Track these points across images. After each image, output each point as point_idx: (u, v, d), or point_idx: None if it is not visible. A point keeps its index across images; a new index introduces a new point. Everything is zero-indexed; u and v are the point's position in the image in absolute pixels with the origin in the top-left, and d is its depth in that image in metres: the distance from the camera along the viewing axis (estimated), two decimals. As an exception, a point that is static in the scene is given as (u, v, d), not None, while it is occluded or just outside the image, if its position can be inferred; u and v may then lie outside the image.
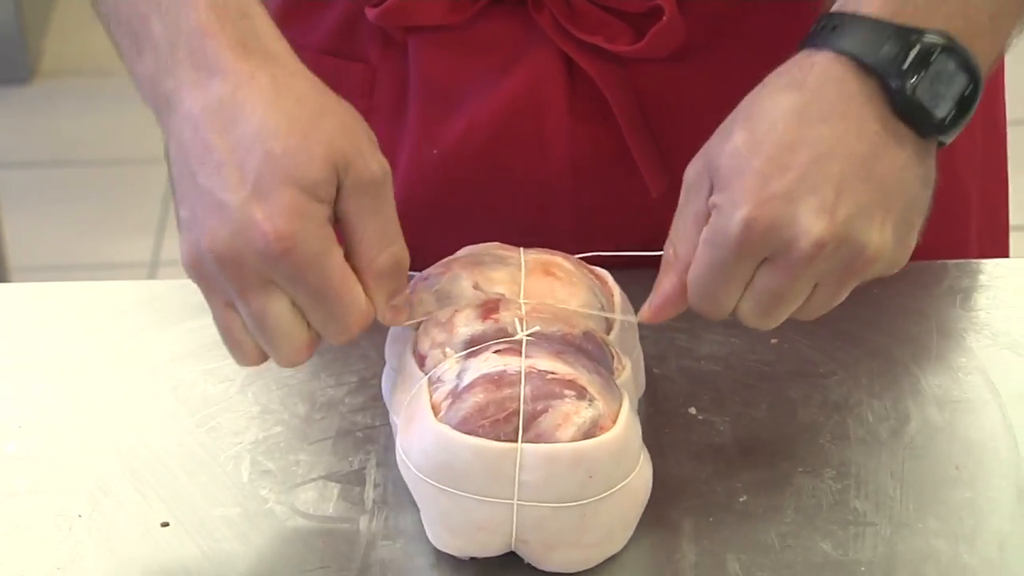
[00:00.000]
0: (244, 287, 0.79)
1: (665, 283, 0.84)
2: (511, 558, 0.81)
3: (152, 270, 2.61)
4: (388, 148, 1.01)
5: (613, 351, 0.85)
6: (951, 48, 0.81)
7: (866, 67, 0.81)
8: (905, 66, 0.80)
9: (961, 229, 1.07)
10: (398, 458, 0.82)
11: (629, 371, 0.85)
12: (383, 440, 0.89)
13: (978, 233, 1.08)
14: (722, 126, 0.83)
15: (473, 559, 0.81)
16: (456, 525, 0.80)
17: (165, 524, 0.84)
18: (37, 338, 0.99)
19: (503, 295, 0.85)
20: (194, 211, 0.79)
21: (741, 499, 0.85)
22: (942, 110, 0.81)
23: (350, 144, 0.80)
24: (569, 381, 0.79)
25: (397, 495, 0.85)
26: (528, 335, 0.82)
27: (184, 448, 0.89)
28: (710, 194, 0.82)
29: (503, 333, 0.83)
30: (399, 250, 0.82)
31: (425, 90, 1.00)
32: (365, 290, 0.81)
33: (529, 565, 0.81)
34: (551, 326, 0.83)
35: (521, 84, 0.98)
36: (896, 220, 0.81)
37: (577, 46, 0.97)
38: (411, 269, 0.98)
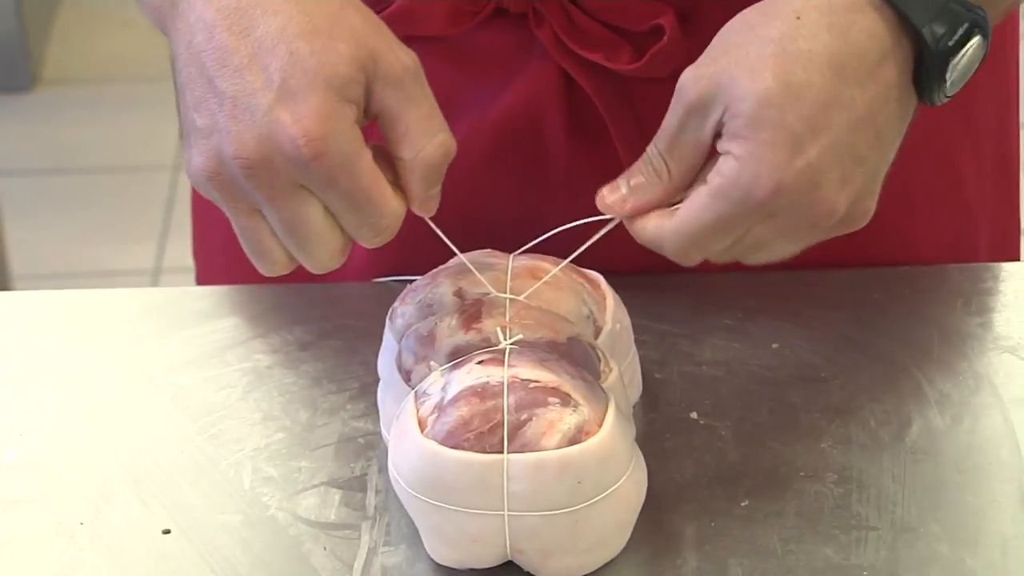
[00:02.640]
0: (274, 193, 0.77)
1: (647, 194, 0.81)
2: (510, 567, 0.81)
3: (155, 277, 2.61)
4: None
5: (600, 354, 0.85)
6: (985, 29, 0.80)
7: (910, 32, 0.79)
8: (951, 43, 0.79)
9: (970, 241, 1.06)
10: (390, 474, 0.82)
11: (617, 374, 0.85)
12: (384, 447, 0.89)
13: (989, 239, 1.07)
14: (733, 47, 0.79)
15: (473, 569, 0.81)
16: (450, 538, 0.80)
17: (167, 531, 0.84)
18: (39, 346, 0.99)
19: (487, 294, 0.85)
20: (215, 118, 0.77)
21: (743, 504, 0.85)
22: (956, 87, 0.81)
23: (376, 38, 0.78)
24: (552, 388, 0.79)
25: (399, 501, 0.84)
26: (511, 343, 0.82)
27: (186, 455, 0.89)
28: (717, 125, 0.78)
29: (486, 343, 0.83)
30: (447, 138, 0.80)
31: None
32: (409, 181, 0.80)
33: (528, 574, 0.81)
34: (535, 333, 0.83)
35: (519, 98, 0.98)
36: (878, 184, 0.81)
37: (577, 63, 0.97)
38: (412, 274, 0.98)
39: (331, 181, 0.77)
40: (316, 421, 0.92)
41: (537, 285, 0.86)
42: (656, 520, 0.83)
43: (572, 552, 0.80)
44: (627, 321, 0.90)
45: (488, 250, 0.91)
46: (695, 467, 0.88)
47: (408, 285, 0.89)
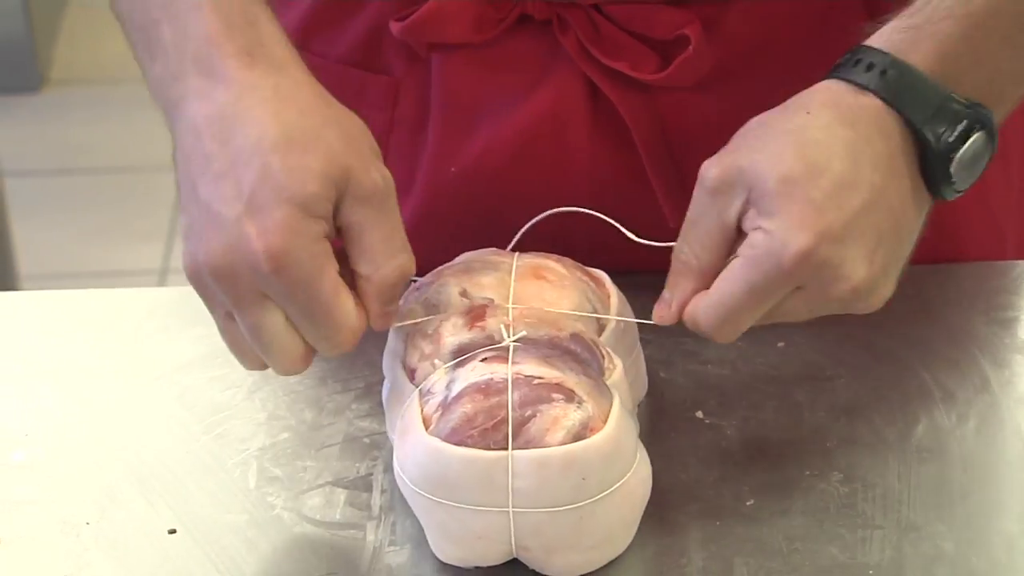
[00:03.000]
0: (239, 300, 0.79)
1: (686, 287, 0.84)
2: (516, 564, 0.81)
3: (162, 277, 2.61)
4: (408, 163, 1.01)
5: (603, 351, 0.85)
6: (988, 125, 0.83)
7: (912, 130, 0.82)
8: (951, 139, 0.82)
9: (997, 249, 1.06)
10: (395, 472, 0.82)
11: (620, 371, 0.85)
12: (390, 446, 0.89)
13: (1017, 244, 1.07)
14: (752, 139, 0.83)
15: (478, 567, 0.81)
16: (455, 536, 0.80)
17: (172, 531, 0.84)
18: (45, 346, 0.99)
19: (491, 300, 0.85)
20: (193, 221, 0.80)
21: (748, 503, 0.85)
22: (964, 184, 0.84)
23: (351, 156, 0.80)
24: (556, 385, 0.79)
25: (404, 501, 0.84)
26: (514, 341, 0.82)
27: (191, 455, 0.89)
28: (742, 208, 0.81)
29: (490, 340, 0.83)
30: (406, 260, 0.82)
31: (446, 107, 1.00)
32: (366, 299, 0.81)
33: (534, 571, 0.81)
34: (538, 330, 0.83)
35: (543, 106, 0.98)
36: (897, 271, 0.84)
37: (601, 71, 0.97)
38: (418, 276, 0.98)
39: (290, 295, 0.78)
40: (321, 421, 0.92)
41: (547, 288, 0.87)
42: (661, 519, 0.83)
43: (577, 549, 0.80)
44: (631, 319, 0.90)
45: (492, 248, 0.91)
46: (700, 466, 0.88)
47: (411, 284, 0.89)
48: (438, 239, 0.99)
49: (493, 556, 0.80)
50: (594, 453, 0.78)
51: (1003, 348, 0.96)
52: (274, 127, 0.79)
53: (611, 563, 0.81)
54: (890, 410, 0.91)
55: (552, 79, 0.98)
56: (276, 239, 0.77)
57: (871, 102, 0.82)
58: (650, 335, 0.93)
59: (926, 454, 0.88)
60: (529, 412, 0.78)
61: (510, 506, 0.78)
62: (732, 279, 0.81)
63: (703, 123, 0.98)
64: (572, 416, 0.78)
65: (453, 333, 0.84)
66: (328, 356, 0.82)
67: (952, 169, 0.83)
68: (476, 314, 0.84)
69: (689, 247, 0.83)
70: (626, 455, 0.80)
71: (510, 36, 0.98)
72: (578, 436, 0.78)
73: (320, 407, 0.93)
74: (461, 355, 0.82)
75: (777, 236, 0.79)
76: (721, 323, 0.82)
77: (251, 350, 0.81)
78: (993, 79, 0.84)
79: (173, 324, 0.99)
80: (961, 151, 0.83)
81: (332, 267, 0.79)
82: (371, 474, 0.88)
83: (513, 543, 0.79)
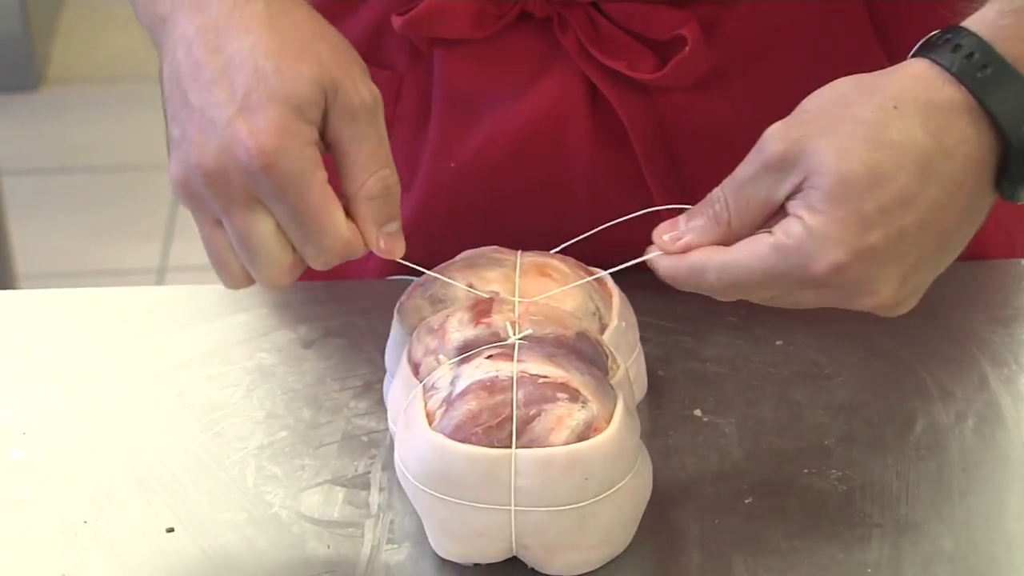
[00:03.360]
0: (229, 204, 0.79)
1: (705, 235, 0.80)
2: (515, 562, 0.81)
3: (160, 276, 2.61)
4: (409, 158, 1.01)
5: (607, 351, 0.85)
6: None
7: (999, 134, 0.78)
8: None
9: (1007, 250, 1.06)
10: (396, 467, 0.82)
11: (624, 371, 0.85)
12: (388, 444, 0.89)
13: None
14: (826, 117, 0.78)
15: (477, 565, 0.81)
16: (456, 533, 0.80)
17: (170, 530, 0.84)
18: (43, 345, 0.99)
19: (497, 293, 0.85)
20: (184, 129, 0.80)
21: (747, 501, 0.85)
22: None
23: (341, 69, 0.81)
24: (561, 384, 0.79)
25: (402, 499, 0.85)
26: (520, 338, 0.82)
27: (189, 453, 0.89)
28: (793, 189, 0.78)
29: (495, 337, 0.83)
30: (389, 175, 0.82)
31: (447, 102, 1.00)
32: (356, 217, 0.81)
33: (533, 570, 0.81)
34: (544, 328, 0.83)
35: (542, 103, 0.98)
36: (928, 283, 0.82)
37: (599, 70, 0.97)
38: (418, 273, 0.98)
39: (280, 194, 0.79)
40: (320, 419, 0.92)
41: (554, 292, 0.87)
42: (660, 517, 0.83)
43: (578, 548, 0.80)
44: (633, 319, 0.90)
45: (495, 247, 0.91)
46: (699, 464, 0.88)
47: (415, 279, 0.89)
48: (438, 233, 0.99)
49: (493, 554, 0.80)
50: (597, 453, 0.78)
51: (1002, 346, 0.96)
52: (267, 36, 0.80)
53: (609, 560, 0.81)
54: (889, 408, 0.91)
55: (552, 77, 0.98)
56: (268, 137, 0.78)
57: (962, 99, 0.78)
58: (649, 333, 0.93)
59: (925, 452, 0.88)
60: (534, 411, 0.78)
61: (512, 504, 0.78)
62: (755, 255, 0.79)
63: (701, 124, 0.98)
64: (576, 416, 0.78)
65: (458, 328, 0.84)
66: (315, 266, 0.81)
67: None
68: (482, 310, 0.84)
69: (728, 203, 0.80)
70: (629, 456, 0.80)
71: (510, 33, 0.98)
72: (582, 436, 0.78)
73: (318, 405, 0.93)
74: (466, 351, 0.82)
75: (814, 239, 0.77)
76: (728, 288, 0.80)
77: (236, 261, 0.81)
78: None
79: (171, 323, 0.99)
80: None
81: (322, 172, 0.80)
82: (369, 472, 0.88)
83: (513, 541, 0.79)
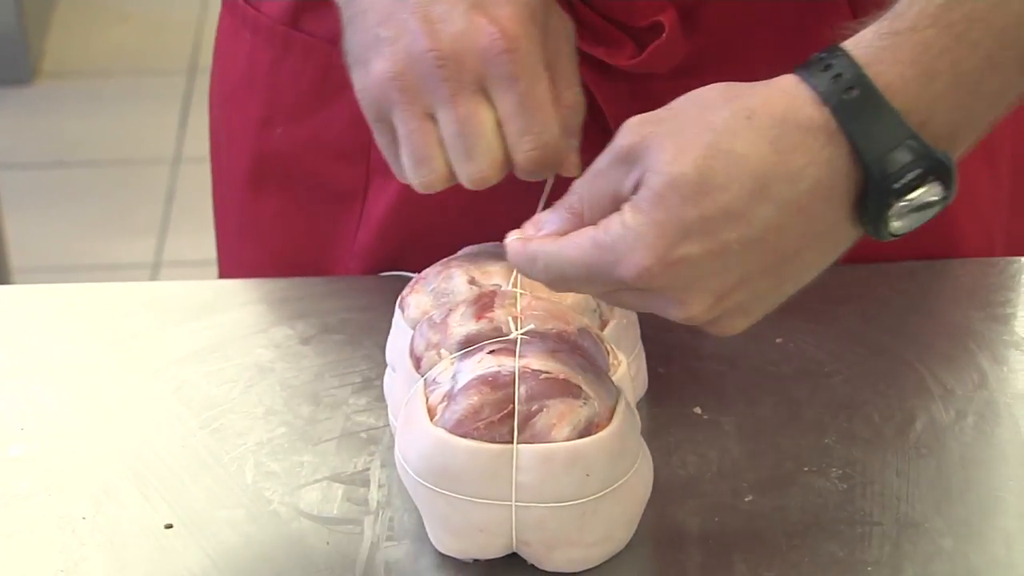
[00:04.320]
0: (459, 89, 0.81)
1: (564, 224, 0.79)
2: (514, 558, 0.81)
3: (154, 271, 2.61)
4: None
5: (608, 347, 0.85)
6: (944, 176, 0.75)
7: (860, 164, 0.74)
8: (897, 185, 0.74)
9: (985, 250, 1.05)
10: (397, 462, 0.82)
11: (625, 367, 0.85)
12: (387, 441, 0.89)
13: (1004, 242, 1.07)
14: (680, 117, 0.76)
15: (477, 560, 0.81)
16: (456, 528, 0.80)
17: (169, 526, 0.84)
18: (39, 340, 0.98)
19: (499, 286, 0.85)
20: (405, 25, 0.82)
21: (747, 499, 0.85)
22: (904, 229, 0.76)
23: None
24: (563, 380, 0.79)
25: (401, 496, 0.84)
26: (522, 334, 0.82)
27: (188, 450, 0.89)
28: (635, 183, 0.76)
29: (497, 332, 0.83)
30: (580, 92, 0.86)
31: None
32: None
33: (532, 566, 0.81)
34: (546, 324, 0.83)
35: None
36: (763, 312, 0.78)
37: (580, 57, 0.97)
38: (409, 267, 0.98)
39: (514, 80, 0.81)
40: (318, 416, 0.91)
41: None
42: (660, 515, 0.83)
43: (578, 545, 0.79)
44: (634, 316, 0.90)
45: (496, 243, 0.90)
46: (699, 462, 0.87)
47: (416, 275, 0.89)
48: (424, 220, 0.99)
49: (493, 549, 0.80)
50: (599, 449, 0.78)
51: (1000, 344, 0.96)
52: None
53: (609, 558, 0.81)
54: (888, 406, 0.91)
55: None
56: (510, 25, 0.81)
57: (823, 121, 0.74)
58: (649, 331, 0.93)
59: (924, 450, 0.88)
60: (536, 406, 0.78)
61: (513, 500, 0.78)
62: (576, 248, 0.77)
63: None
64: (578, 412, 0.78)
65: (461, 323, 0.84)
66: (524, 161, 0.82)
67: (891, 214, 0.75)
68: (484, 304, 0.84)
69: (583, 194, 0.79)
70: (630, 452, 0.80)
71: None
72: (584, 432, 0.78)
73: (317, 402, 0.92)
74: (468, 345, 0.82)
75: (628, 239, 0.74)
76: (555, 280, 0.78)
77: (441, 156, 0.82)
78: (970, 103, 0.76)
79: (169, 319, 0.99)
80: (905, 199, 0.75)
81: (547, 73, 0.82)
82: (368, 469, 0.88)
83: (514, 537, 0.79)
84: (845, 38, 0.77)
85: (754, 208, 0.74)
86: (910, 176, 0.74)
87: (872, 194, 0.75)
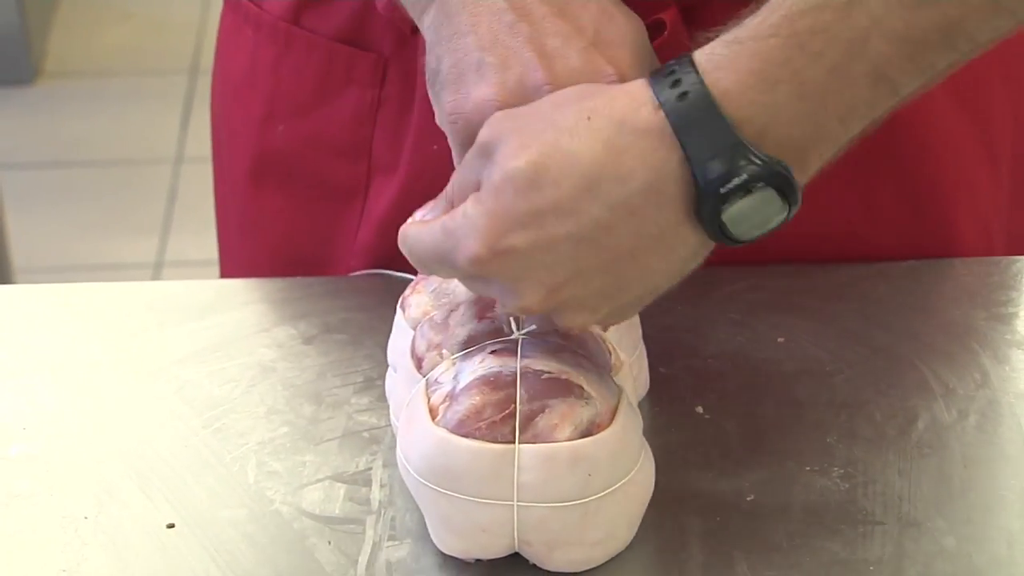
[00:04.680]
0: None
1: (439, 210, 0.80)
2: (516, 558, 0.81)
3: (156, 271, 2.61)
4: (394, 140, 1.01)
5: (610, 347, 0.85)
6: (778, 183, 0.75)
7: (689, 167, 0.75)
8: (723, 190, 0.75)
9: (985, 249, 1.05)
10: (399, 462, 0.82)
11: (627, 367, 0.85)
12: (389, 440, 0.89)
13: (1005, 241, 1.07)
14: (531, 112, 0.77)
15: (479, 560, 0.81)
16: (458, 528, 0.80)
17: (171, 525, 0.84)
18: (41, 340, 0.99)
19: None
20: (516, 53, 0.80)
21: (748, 498, 0.85)
22: (747, 236, 0.76)
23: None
24: (565, 380, 0.79)
25: (403, 495, 0.84)
26: (523, 334, 0.82)
27: (190, 449, 0.89)
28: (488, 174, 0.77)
29: (499, 332, 0.83)
30: None
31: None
32: None
33: (534, 566, 0.81)
34: (548, 323, 0.83)
35: None
36: (611, 310, 0.79)
37: None
38: (409, 265, 0.98)
39: None
40: (321, 415, 0.91)
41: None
42: (662, 514, 0.83)
43: (580, 545, 0.79)
44: (635, 316, 0.90)
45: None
46: (700, 461, 0.87)
47: (418, 275, 0.89)
48: None
49: (495, 549, 0.80)
50: (601, 449, 0.78)
51: (1003, 343, 0.96)
52: None
53: (611, 558, 0.81)
54: (890, 405, 0.91)
55: None
56: (627, 67, 0.80)
57: (658, 125, 0.75)
58: (650, 331, 0.93)
59: (926, 450, 0.88)
60: (537, 406, 0.78)
61: (515, 499, 0.78)
62: (427, 232, 0.79)
63: None
64: (580, 412, 0.78)
65: (462, 323, 0.84)
66: None
67: (724, 219, 0.75)
68: (486, 304, 0.84)
69: (453, 183, 0.80)
70: (632, 452, 0.80)
71: None
72: (585, 432, 0.78)
73: (319, 401, 0.92)
74: (470, 345, 0.82)
75: (465, 227, 0.76)
76: (417, 262, 0.80)
77: None
78: (816, 115, 0.75)
79: (171, 318, 0.99)
80: (735, 205, 0.75)
81: None
82: (370, 468, 0.88)
83: (516, 537, 0.79)
84: (702, 45, 0.78)
85: (584, 206, 0.75)
86: (736, 181, 0.75)
87: (702, 199, 0.75)
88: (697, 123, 0.75)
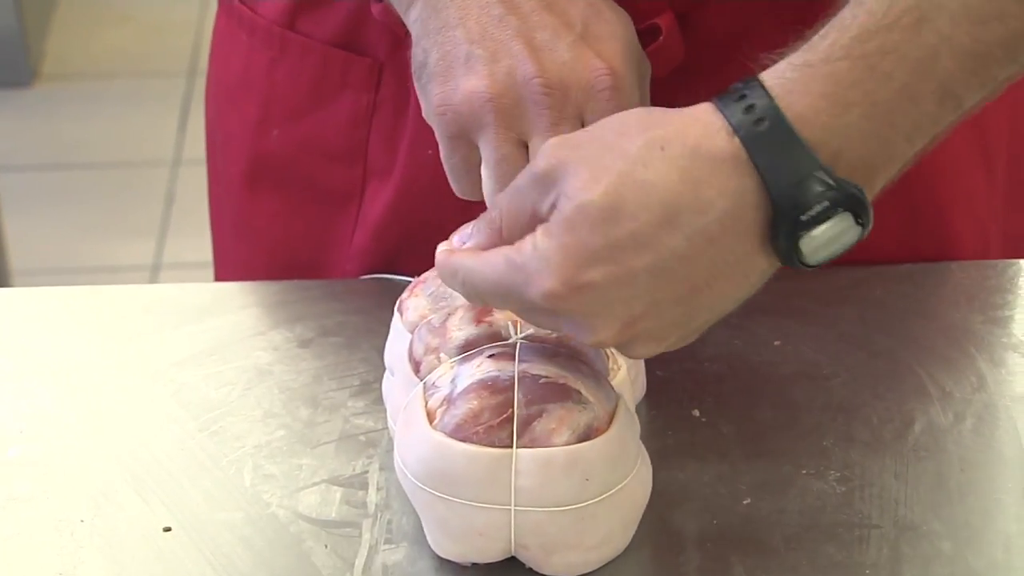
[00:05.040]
0: (559, 119, 0.80)
1: (480, 240, 0.79)
2: (513, 562, 0.81)
3: (154, 273, 2.61)
4: (390, 144, 1.01)
5: (608, 351, 0.85)
6: (856, 208, 0.75)
7: (769, 196, 0.74)
8: (804, 217, 0.74)
9: (981, 252, 1.05)
10: (396, 466, 0.82)
11: (625, 372, 0.85)
12: (386, 443, 0.89)
13: (1000, 244, 1.07)
14: (598, 142, 0.76)
15: (475, 564, 0.81)
16: (455, 532, 0.80)
17: (167, 529, 0.84)
18: (38, 342, 0.98)
19: None
20: (506, 46, 0.81)
21: (745, 502, 0.85)
22: (818, 260, 0.76)
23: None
24: (562, 385, 0.79)
25: (400, 499, 0.84)
26: (521, 338, 0.82)
27: (186, 452, 0.89)
28: (551, 205, 0.75)
29: (497, 336, 0.83)
30: None
31: None
32: None
33: (531, 569, 0.81)
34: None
35: None
36: (677, 338, 0.78)
37: None
38: (405, 269, 0.98)
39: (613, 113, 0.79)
40: (317, 418, 0.91)
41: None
42: (658, 518, 0.83)
43: (576, 549, 0.79)
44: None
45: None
46: (697, 465, 0.87)
47: (415, 278, 0.89)
48: (417, 217, 0.99)
49: (492, 553, 0.80)
50: (598, 454, 0.78)
51: (999, 347, 0.96)
52: None
53: (608, 562, 0.81)
54: (887, 409, 0.91)
55: None
56: (616, 62, 0.80)
57: (732, 152, 0.74)
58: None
59: (923, 453, 0.88)
60: (535, 411, 0.78)
61: (512, 504, 0.78)
62: (489, 265, 0.77)
63: None
64: (577, 416, 0.78)
65: (460, 327, 0.84)
66: None
67: (801, 245, 0.75)
68: (484, 308, 0.84)
69: (502, 210, 0.79)
70: (629, 457, 0.80)
71: None
72: (583, 437, 0.78)
73: (316, 404, 0.92)
74: (467, 350, 0.82)
75: (537, 261, 0.75)
76: (470, 294, 0.79)
77: None
78: (886, 134, 0.75)
79: (168, 321, 0.99)
80: (813, 232, 0.75)
81: None
82: (367, 472, 0.88)
83: (512, 541, 0.79)
84: (767, 68, 0.77)
85: (662, 238, 0.74)
86: (818, 208, 0.74)
87: (781, 226, 0.75)
88: (775, 149, 0.74)
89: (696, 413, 0.91)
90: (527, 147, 0.82)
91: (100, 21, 3.26)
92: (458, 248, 0.79)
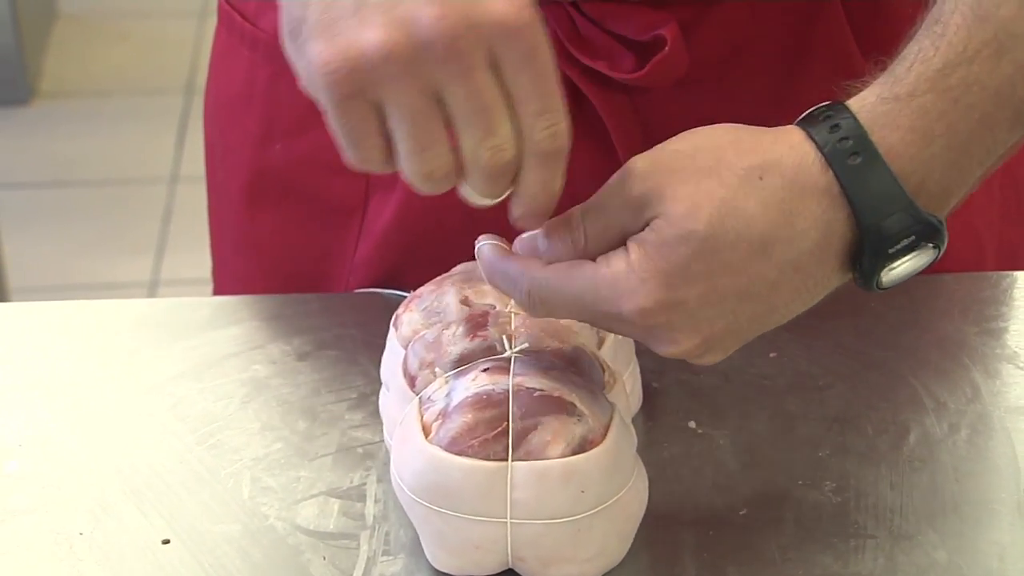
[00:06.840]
0: (473, 65, 0.72)
1: (559, 252, 0.78)
2: (510, 574, 0.81)
3: (151, 290, 2.61)
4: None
5: (604, 364, 0.85)
6: (937, 240, 0.78)
7: (857, 226, 0.77)
8: (892, 250, 0.77)
9: (976, 263, 1.06)
10: (392, 479, 0.82)
11: (621, 384, 0.85)
12: (383, 456, 0.89)
13: (996, 255, 1.07)
14: (693, 167, 0.77)
15: None
16: (451, 545, 0.80)
17: (166, 541, 0.84)
18: (36, 358, 0.99)
19: (493, 306, 0.86)
20: (372, 5, 0.72)
21: (741, 513, 0.85)
22: (892, 284, 0.79)
23: None
24: (557, 398, 0.79)
25: (397, 511, 0.85)
26: (516, 352, 0.82)
27: (184, 465, 0.89)
28: (645, 223, 0.77)
29: (491, 350, 0.83)
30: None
31: None
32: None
33: (529, 580, 0.81)
34: (540, 342, 0.83)
35: None
36: (736, 347, 0.80)
37: (580, 70, 0.97)
38: (409, 281, 0.99)
39: (529, 59, 0.73)
40: (315, 431, 0.92)
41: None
42: (655, 529, 0.83)
43: (573, 561, 0.80)
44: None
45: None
46: (693, 476, 0.88)
47: (411, 293, 0.90)
48: (420, 231, 0.99)
49: (489, 566, 0.80)
50: (593, 466, 0.78)
51: (993, 358, 0.96)
52: None
53: (604, 573, 0.81)
54: (882, 419, 0.91)
55: None
56: (522, 4, 0.73)
57: (826, 184, 0.76)
58: (643, 346, 0.93)
59: (918, 463, 0.88)
60: (530, 424, 0.78)
61: (508, 517, 0.78)
62: (573, 279, 0.78)
63: (683, 124, 0.98)
64: (573, 429, 0.79)
65: (454, 342, 0.84)
66: (542, 144, 0.75)
67: (882, 274, 0.78)
68: (478, 323, 0.84)
69: (586, 230, 0.79)
70: (625, 469, 0.80)
71: None
72: (578, 449, 0.78)
73: (314, 417, 0.93)
74: (462, 364, 0.82)
75: (632, 278, 0.76)
76: (536, 304, 0.79)
77: (445, 141, 0.75)
78: (963, 162, 0.78)
79: (165, 335, 0.99)
80: (896, 262, 0.78)
81: None
82: (365, 484, 0.88)
83: (509, 553, 0.79)
84: (846, 93, 0.79)
85: (756, 266, 0.76)
86: (905, 242, 0.77)
87: (867, 257, 0.77)
88: (869, 183, 0.76)
89: (692, 424, 0.92)
90: (439, 99, 0.74)
91: (98, 39, 3.26)
92: (523, 255, 0.79)
